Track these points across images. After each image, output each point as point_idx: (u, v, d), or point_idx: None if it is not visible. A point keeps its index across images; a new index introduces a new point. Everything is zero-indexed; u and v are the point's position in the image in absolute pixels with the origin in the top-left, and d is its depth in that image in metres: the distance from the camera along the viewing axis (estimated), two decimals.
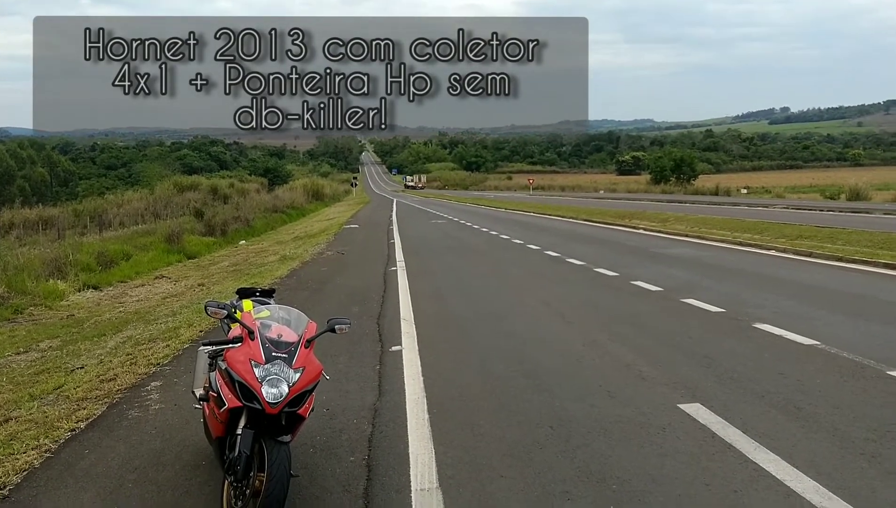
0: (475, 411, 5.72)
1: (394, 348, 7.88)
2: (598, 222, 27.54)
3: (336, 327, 4.18)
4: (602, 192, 72.37)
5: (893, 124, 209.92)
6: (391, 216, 38.46)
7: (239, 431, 3.79)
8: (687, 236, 20.44)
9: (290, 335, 3.96)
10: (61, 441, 5.28)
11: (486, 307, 10.41)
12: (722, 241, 18.62)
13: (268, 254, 21.90)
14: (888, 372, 6.24)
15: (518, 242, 20.63)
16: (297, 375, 3.79)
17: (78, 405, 6.18)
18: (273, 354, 3.80)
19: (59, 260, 17.45)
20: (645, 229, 23.34)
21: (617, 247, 18.46)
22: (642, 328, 8.62)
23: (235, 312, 4.09)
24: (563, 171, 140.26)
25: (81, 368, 7.74)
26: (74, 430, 5.52)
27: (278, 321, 4.08)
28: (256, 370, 3.73)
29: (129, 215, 37.67)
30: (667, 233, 21.83)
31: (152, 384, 6.83)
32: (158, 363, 7.59)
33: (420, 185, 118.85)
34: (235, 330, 4.28)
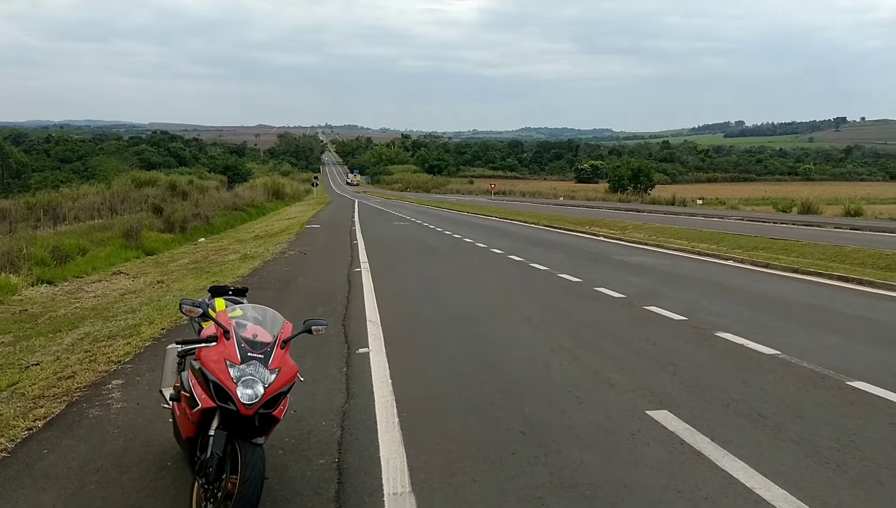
0: (446, 414, 5.70)
1: (360, 350, 7.81)
2: (560, 229, 27.74)
3: (312, 328, 4.13)
4: (562, 198, 72.97)
5: (843, 141, 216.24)
6: (353, 217, 38.25)
7: (212, 432, 3.71)
8: (646, 244, 20.71)
9: (265, 336, 3.89)
10: (18, 441, 5.12)
11: (453, 310, 10.40)
12: (681, 250, 18.91)
13: (228, 252, 21.58)
14: (847, 383, 6.38)
15: (481, 245, 20.67)
16: (273, 376, 3.73)
17: (35, 403, 6.00)
18: (249, 354, 3.73)
19: (11, 253, 16.95)
20: (605, 237, 23.60)
21: (579, 253, 18.61)
22: (608, 334, 8.70)
23: (209, 310, 4.00)
24: (524, 177, 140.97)
25: (37, 364, 7.52)
26: (31, 429, 5.36)
27: (252, 320, 4.00)
28: (231, 371, 3.66)
29: (84, 210, 36.77)
30: (626, 241, 22.09)
31: (113, 382, 6.66)
32: (119, 361, 7.42)
33: (355, 182, 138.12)
34: (209, 329, 4.19)
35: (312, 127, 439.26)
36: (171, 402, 4.45)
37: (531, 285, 12.92)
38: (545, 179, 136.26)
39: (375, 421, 5.52)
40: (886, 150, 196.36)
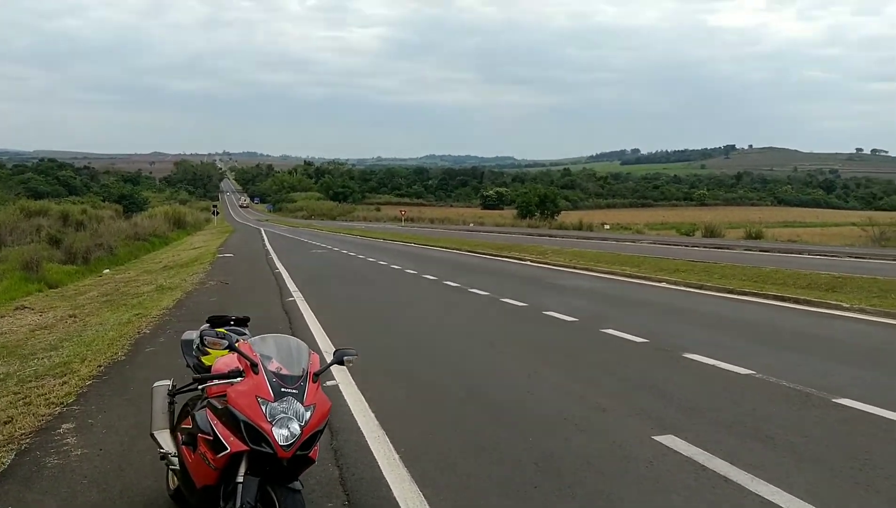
0: (446, 449, 5.34)
1: (329, 383, 7.33)
2: (483, 254, 27.74)
3: (345, 358, 3.72)
4: (472, 225, 73.61)
5: (733, 167, 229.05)
6: (265, 246, 37.15)
7: (240, 479, 3.24)
8: (574, 268, 20.91)
9: (292, 368, 3.45)
10: None
11: (411, 339, 10.03)
12: (609, 273, 19.15)
13: (139, 283, 20.43)
14: (834, 400, 6.41)
15: (411, 272, 20.33)
16: (309, 413, 3.30)
17: None
18: (282, 390, 3.29)
19: None
20: (532, 261, 23.71)
21: (512, 278, 18.56)
22: (577, 358, 8.55)
23: (237, 341, 3.53)
24: (431, 203, 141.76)
25: None
26: None
27: (276, 352, 3.55)
28: (264, 409, 3.22)
29: None
30: (553, 265, 22.25)
31: (64, 426, 5.97)
32: (62, 403, 6.70)
33: (245, 204, 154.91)
34: (221, 363, 3.72)
35: (210, 154, 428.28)
36: (175, 448, 3.93)
37: (480, 311, 12.69)
38: (451, 205, 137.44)
39: (374, 458, 5.11)
40: (773, 175, 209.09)
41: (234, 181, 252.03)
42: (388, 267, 22.52)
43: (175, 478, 4.40)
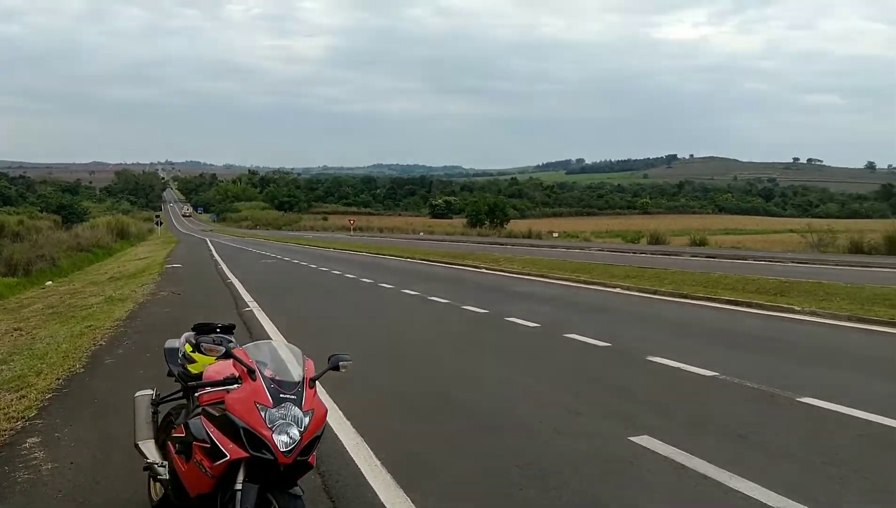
0: (426, 454, 5.35)
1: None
2: (438, 262, 27.77)
3: (340, 363, 3.70)
4: (422, 233, 73.64)
5: (675, 177, 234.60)
6: (213, 256, 36.51)
7: (238, 486, 3.21)
8: (529, 275, 21.09)
9: (287, 374, 3.42)
10: None
11: (377, 348, 9.97)
12: (563, 280, 19.37)
13: (86, 295, 19.91)
14: (798, 399, 6.61)
15: (367, 281, 20.24)
16: (308, 418, 3.28)
17: None
18: (281, 396, 3.26)
19: None
20: (487, 269, 23.84)
21: (469, 286, 18.63)
22: (545, 362, 8.64)
23: (232, 348, 3.48)
24: (379, 213, 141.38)
25: None
26: None
27: (270, 358, 3.51)
28: (263, 415, 3.19)
29: None
30: (508, 272, 22.42)
31: (29, 440, 5.79)
32: (23, 417, 6.49)
33: (188, 213, 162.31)
34: (212, 371, 3.66)
35: (152, 163, 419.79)
36: (160, 458, 3.85)
37: (443, 319, 12.71)
38: (400, 214, 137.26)
39: (355, 464, 5.09)
40: (714, 184, 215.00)
41: (177, 191, 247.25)
42: (343, 276, 22.37)
43: (158, 488, 4.31)
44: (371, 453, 5.32)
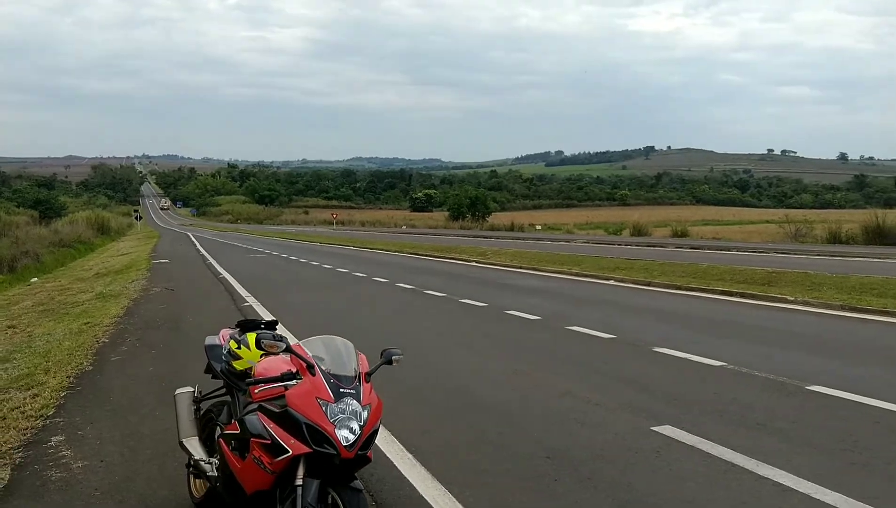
0: (456, 447, 5.44)
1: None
2: (426, 256, 27.83)
3: (392, 358, 3.77)
4: (404, 227, 73.51)
5: (653, 168, 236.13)
6: (200, 251, 36.26)
7: (299, 481, 3.26)
8: (520, 268, 21.22)
9: (342, 369, 3.47)
10: None
11: (383, 341, 9.96)
12: (556, 273, 19.52)
13: (74, 292, 19.72)
14: (808, 388, 6.78)
15: (360, 275, 20.26)
16: (366, 413, 3.35)
17: None
18: (340, 390, 3.32)
19: None
20: (477, 262, 23.93)
21: (463, 279, 18.71)
22: (552, 355, 8.74)
23: (290, 345, 3.53)
24: (360, 206, 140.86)
25: None
26: None
27: (325, 352, 3.55)
28: (325, 409, 3.24)
29: None
30: (498, 266, 22.52)
31: (53, 439, 5.79)
32: (42, 416, 6.47)
33: (166, 206, 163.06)
34: (262, 367, 3.71)
35: (129, 157, 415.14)
36: (206, 455, 3.89)
37: (443, 312, 12.78)
38: (381, 208, 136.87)
39: (389, 459, 5.15)
40: (691, 176, 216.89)
41: (154, 185, 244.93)
42: (335, 270, 22.36)
43: (199, 485, 4.35)
44: (402, 447, 5.40)
